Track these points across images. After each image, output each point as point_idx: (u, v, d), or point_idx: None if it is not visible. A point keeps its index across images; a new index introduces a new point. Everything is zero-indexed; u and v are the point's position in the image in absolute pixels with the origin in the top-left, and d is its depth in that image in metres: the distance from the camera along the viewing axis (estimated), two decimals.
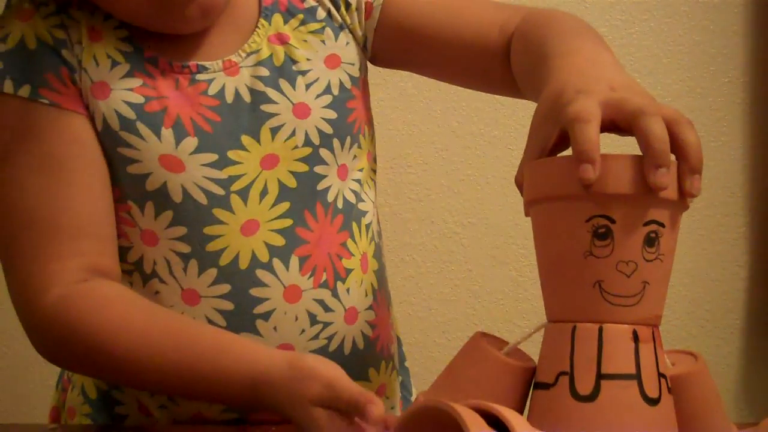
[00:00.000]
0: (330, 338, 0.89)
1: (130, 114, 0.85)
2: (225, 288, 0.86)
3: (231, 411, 0.88)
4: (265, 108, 0.89)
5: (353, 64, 0.95)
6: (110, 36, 0.87)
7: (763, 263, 1.66)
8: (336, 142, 0.91)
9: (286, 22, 0.93)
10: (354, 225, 0.92)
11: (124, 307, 0.83)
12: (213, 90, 0.88)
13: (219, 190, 0.86)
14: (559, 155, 0.68)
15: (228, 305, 0.86)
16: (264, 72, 0.90)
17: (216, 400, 0.85)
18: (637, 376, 0.62)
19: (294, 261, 0.88)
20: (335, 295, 0.89)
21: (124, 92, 0.85)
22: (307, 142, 0.89)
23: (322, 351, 0.88)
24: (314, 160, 0.90)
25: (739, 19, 1.67)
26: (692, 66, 1.66)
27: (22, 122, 0.85)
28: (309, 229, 0.89)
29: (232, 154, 0.87)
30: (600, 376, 0.61)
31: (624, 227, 0.62)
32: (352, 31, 0.96)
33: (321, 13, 0.94)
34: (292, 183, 0.89)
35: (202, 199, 0.86)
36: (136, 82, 0.86)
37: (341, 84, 0.93)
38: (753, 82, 1.67)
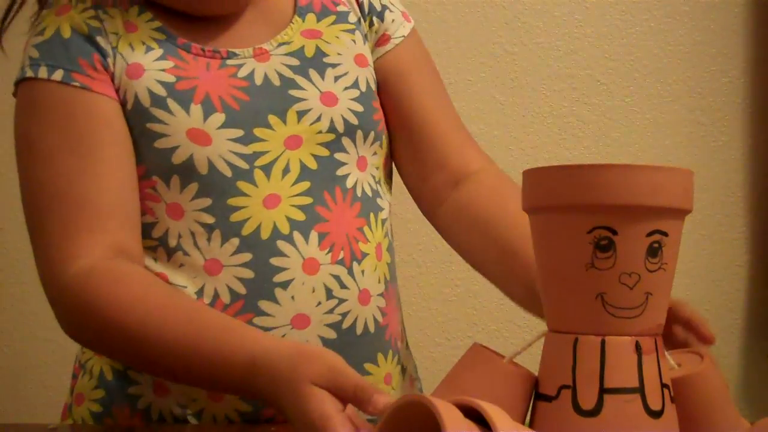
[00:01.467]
0: (344, 315, 0.90)
1: (162, 91, 0.89)
2: (246, 257, 0.88)
3: (246, 400, 0.88)
4: (294, 93, 0.93)
5: (373, 71, 1.00)
6: (145, 27, 0.92)
7: (763, 263, 1.66)
8: (359, 134, 0.94)
9: (319, 20, 0.98)
10: (371, 215, 0.95)
11: (142, 286, 0.84)
12: (243, 73, 0.92)
13: (243, 164, 0.89)
14: (558, 165, 0.68)
15: (249, 273, 0.88)
16: (294, 62, 0.94)
17: (215, 382, 0.83)
18: (641, 389, 0.61)
19: (313, 235, 0.90)
20: (351, 273, 0.91)
21: (157, 72, 0.90)
22: (332, 129, 0.92)
23: (336, 326, 0.89)
24: (336, 146, 0.93)
25: (739, 19, 1.67)
26: (692, 66, 1.66)
27: (56, 105, 0.89)
28: (328, 209, 0.91)
29: (258, 131, 0.90)
30: (603, 390, 0.61)
31: (626, 238, 0.62)
32: (370, 45, 1.01)
33: (353, 17, 1.00)
34: (312, 165, 0.92)
35: (227, 172, 0.88)
36: (168, 64, 0.90)
37: (368, 83, 0.97)
38: (753, 82, 1.67)
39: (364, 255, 0.93)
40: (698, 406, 0.67)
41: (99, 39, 0.90)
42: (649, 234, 0.63)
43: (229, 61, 0.92)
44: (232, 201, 0.89)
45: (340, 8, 1.00)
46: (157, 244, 0.90)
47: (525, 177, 0.68)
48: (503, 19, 1.65)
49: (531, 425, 0.66)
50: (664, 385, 0.63)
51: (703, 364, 0.68)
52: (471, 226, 0.97)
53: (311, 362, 0.73)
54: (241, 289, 0.88)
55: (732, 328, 1.66)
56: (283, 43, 0.95)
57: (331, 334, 0.89)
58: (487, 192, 0.98)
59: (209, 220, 0.89)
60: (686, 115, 1.66)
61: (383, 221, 0.97)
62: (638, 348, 0.62)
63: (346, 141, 0.94)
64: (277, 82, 0.93)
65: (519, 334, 1.63)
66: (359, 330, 0.91)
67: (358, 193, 0.94)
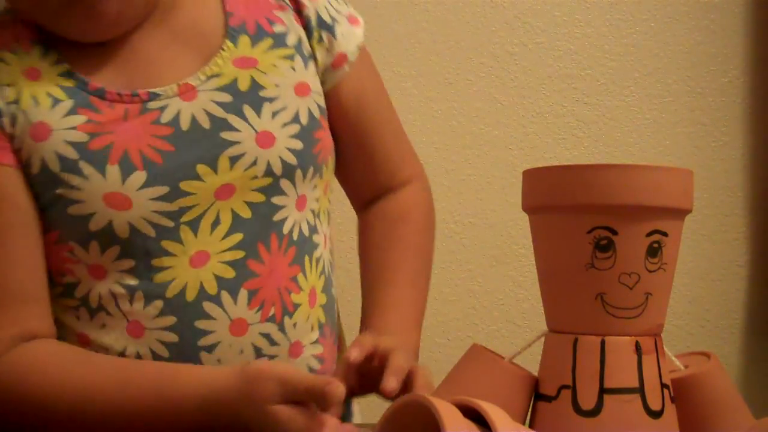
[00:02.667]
0: None
1: (73, 154, 0.81)
2: (170, 320, 0.84)
3: None
4: (226, 135, 0.85)
5: (320, 94, 0.94)
6: (50, 73, 0.84)
7: (763, 263, 1.66)
8: (299, 173, 0.89)
9: (254, 45, 0.89)
10: (306, 258, 0.90)
11: (61, 363, 0.81)
12: (166, 118, 0.84)
13: (168, 222, 0.83)
14: (558, 165, 0.68)
15: (173, 337, 0.84)
16: (226, 98, 0.86)
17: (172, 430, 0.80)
18: (641, 390, 0.61)
19: (243, 294, 0.85)
20: (282, 329, 0.88)
21: (66, 132, 0.81)
22: (268, 173, 0.86)
23: None
24: (273, 190, 0.87)
25: (739, 19, 1.67)
26: (692, 66, 1.66)
27: None
28: (261, 262, 0.87)
29: (184, 185, 0.83)
30: (603, 391, 0.61)
31: (626, 238, 0.62)
32: (317, 64, 0.94)
33: (292, 39, 0.92)
34: (246, 214, 0.86)
35: (150, 233, 0.83)
36: (79, 119, 0.82)
37: (310, 113, 0.90)
38: (753, 82, 1.67)
39: (296, 306, 0.89)
40: (706, 405, 0.67)
41: None
42: (649, 234, 0.62)
43: (150, 104, 0.84)
44: (156, 262, 0.83)
45: (278, 28, 0.91)
46: (79, 303, 0.86)
47: (525, 177, 0.68)
48: (503, 19, 1.65)
49: (531, 425, 0.66)
50: (664, 385, 0.63)
51: (709, 364, 0.68)
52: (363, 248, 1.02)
53: (259, 384, 0.72)
54: (165, 353, 0.84)
55: (732, 328, 1.66)
56: (213, 76, 0.86)
57: None
58: (382, 219, 1.01)
59: (132, 281, 0.84)
60: (686, 115, 1.66)
61: (318, 260, 0.92)
62: (638, 348, 0.62)
63: (284, 183, 0.88)
64: (206, 124, 0.85)
65: (519, 334, 1.63)
66: None
67: (294, 236, 0.89)
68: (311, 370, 0.90)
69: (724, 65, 1.67)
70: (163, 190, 0.82)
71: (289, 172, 0.88)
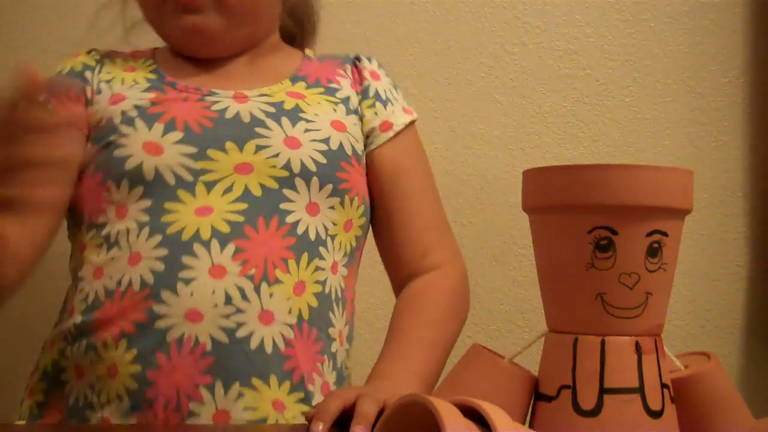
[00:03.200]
0: (239, 325, 0.93)
1: (133, 112, 1.00)
2: (163, 252, 0.95)
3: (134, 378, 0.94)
4: (259, 130, 1.00)
5: (358, 141, 1.06)
6: (142, 69, 1.07)
7: (763, 263, 1.66)
8: (314, 181, 1.00)
9: (307, 88, 1.08)
10: (305, 255, 0.98)
11: None
12: (216, 107, 1.01)
13: (188, 176, 0.97)
14: (558, 165, 0.68)
15: (160, 266, 0.95)
16: (270, 108, 1.02)
17: None
18: (641, 389, 0.61)
19: (230, 247, 0.95)
20: (257, 291, 0.95)
21: (136, 100, 1.01)
22: (286, 167, 0.99)
23: (229, 332, 0.93)
24: (287, 183, 0.99)
25: (739, 19, 1.66)
26: (692, 66, 1.66)
27: None
28: (256, 232, 0.96)
29: (210, 152, 0.98)
30: (603, 390, 0.61)
31: (626, 238, 0.62)
32: (362, 122, 1.09)
33: (341, 95, 1.09)
34: (257, 192, 0.98)
35: (171, 180, 0.97)
36: (149, 95, 1.02)
37: (341, 145, 1.03)
38: (753, 82, 1.67)
39: (278, 281, 0.96)
40: (706, 405, 0.67)
41: (87, 73, 1.06)
42: (649, 234, 0.63)
43: (207, 98, 1.03)
44: (168, 205, 0.97)
45: (333, 85, 1.09)
46: (102, 241, 0.99)
47: (525, 177, 0.68)
48: (503, 19, 1.64)
49: (531, 425, 0.66)
50: (664, 385, 0.63)
51: (709, 364, 0.68)
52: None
53: None
54: (150, 279, 0.94)
55: (732, 328, 1.66)
56: (265, 95, 1.04)
57: (223, 338, 0.92)
58: (410, 299, 1.06)
59: (145, 218, 0.97)
60: (686, 115, 1.66)
61: (318, 269, 0.99)
62: (638, 348, 0.62)
63: (299, 181, 0.99)
64: (247, 119, 1.01)
65: (519, 334, 1.63)
66: (254, 344, 0.94)
67: (299, 231, 0.99)
68: (276, 346, 0.94)
69: (724, 65, 1.66)
70: (191, 149, 0.98)
71: (305, 174, 1.00)
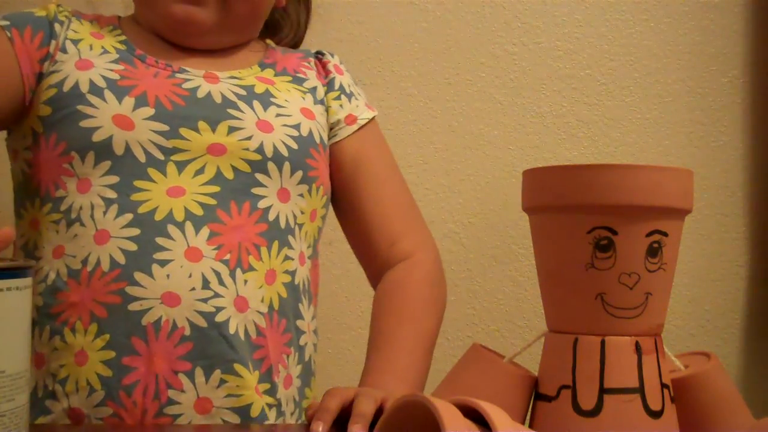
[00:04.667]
0: (218, 309, 0.91)
1: (102, 83, 0.96)
2: (135, 231, 0.92)
3: (107, 365, 0.90)
4: (232, 112, 0.98)
5: (324, 130, 1.07)
6: (110, 38, 1.03)
7: (763, 263, 1.66)
8: (287, 166, 0.98)
9: (276, 75, 1.07)
10: (276, 242, 0.97)
11: None
12: (187, 85, 0.99)
13: (159, 155, 0.94)
14: (558, 165, 0.68)
15: (132, 246, 0.91)
16: (242, 91, 1.01)
17: None
18: (641, 389, 0.61)
19: (205, 230, 0.93)
20: (232, 276, 0.93)
21: (105, 70, 0.97)
22: (259, 150, 0.97)
23: (208, 317, 0.91)
24: (259, 167, 0.97)
25: (739, 19, 1.66)
26: (692, 66, 1.66)
27: None
28: (229, 215, 0.95)
29: (183, 131, 0.95)
30: (603, 391, 0.61)
31: (626, 239, 0.62)
32: (328, 113, 1.09)
33: (308, 85, 1.08)
34: (229, 175, 0.96)
35: (141, 157, 0.94)
36: (118, 66, 0.98)
37: (311, 132, 1.03)
38: (753, 82, 1.67)
39: (251, 268, 0.94)
40: (706, 405, 0.67)
41: (56, 26, 1.01)
42: (649, 234, 0.62)
43: (178, 75, 1.00)
44: (139, 183, 0.93)
45: (300, 75, 1.09)
46: (61, 217, 0.94)
47: (525, 177, 0.68)
48: (503, 19, 1.64)
49: (531, 425, 0.66)
50: (664, 385, 0.63)
51: (709, 364, 0.68)
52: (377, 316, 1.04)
53: None
54: (122, 259, 0.91)
55: (732, 328, 1.66)
56: (236, 77, 1.03)
57: (202, 322, 0.90)
58: (392, 287, 1.05)
59: (112, 195, 0.93)
60: (686, 115, 1.66)
61: (288, 258, 0.98)
62: (638, 348, 0.62)
63: (271, 166, 0.97)
64: (219, 99, 0.98)
65: (519, 334, 1.63)
66: (232, 329, 0.91)
67: (270, 217, 0.97)
68: (247, 333, 0.93)
69: (724, 65, 1.66)
70: (164, 127, 0.95)
71: (278, 159, 0.98)
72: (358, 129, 1.10)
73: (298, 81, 1.08)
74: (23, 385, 0.63)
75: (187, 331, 0.89)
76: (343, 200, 1.09)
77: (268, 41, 1.16)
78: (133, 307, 0.89)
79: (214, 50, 1.06)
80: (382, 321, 1.02)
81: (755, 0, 1.66)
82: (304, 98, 1.06)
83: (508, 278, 1.64)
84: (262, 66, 1.07)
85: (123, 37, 1.03)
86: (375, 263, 1.08)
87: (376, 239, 1.07)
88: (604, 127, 1.64)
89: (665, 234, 0.63)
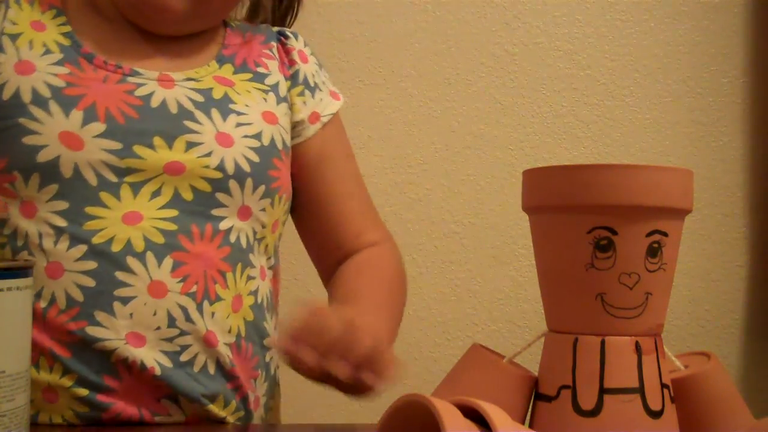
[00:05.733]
0: (183, 348, 0.87)
1: (46, 93, 0.87)
2: (91, 265, 0.85)
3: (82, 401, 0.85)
4: (189, 124, 0.90)
5: (287, 132, 0.99)
6: (53, 30, 0.92)
7: (763, 263, 1.66)
8: (249, 182, 0.91)
9: (235, 73, 0.97)
10: (239, 265, 0.91)
11: None
12: (140, 92, 0.90)
13: (112, 177, 0.86)
14: (558, 165, 0.68)
15: (90, 282, 0.85)
16: (199, 97, 0.92)
17: None
18: (641, 390, 0.61)
19: (168, 261, 0.86)
20: (200, 310, 0.87)
21: (48, 75, 0.88)
22: (220, 168, 0.89)
23: (173, 356, 0.86)
24: (220, 186, 0.90)
25: (739, 19, 1.67)
26: (692, 66, 1.66)
27: None
28: (191, 241, 0.88)
29: (137, 149, 0.87)
30: (603, 391, 0.61)
31: (626, 238, 0.62)
32: (292, 111, 1.01)
33: (270, 81, 0.99)
34: (188, 196, 0.89)
35: (93, 181, 0.86)
36: (63, 70, 0.88)
37: (273, 140, 0.95)
38: (753, 82, 1.67)
39: (219, 298, 0.89)
40: (706, 405, 0.67)
41: None
42: (649, 234, 0.62)
43: (130, 78, 0.90)
44: (90, 210, 0.86)
45: (261, 70, 1.00)
46: (6, 241, 0.87)
47: (525, 177, 0.68)
48: (503, 19, 1.65)
49: (531, 425, 0.66)
50: (664, 385, 0.63)
51: (709, 364, 0.68)
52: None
53: None
54: (79, 296, 0.84)
55: (732, 328, 1.66)
56: (192, 79, 0.93)
57: (167, 362, 0.86)
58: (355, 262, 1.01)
59: (61, 223, 0.85)
60: (686, 115, 1.66)
61: (249, 278, 0.92)
62: (638, 348, 0.62)
63: (232, 184, 0.90)
64: (174, 109, 0.90)
65: (519, 334, 1.63)
66: (197, 368, 0.87)
67: (231, 239, 0.91)
68: (220, 365, 0.88)
69: (724, 65, 1.67)
70: (116, 145, 0.86)
71: (240, 176, 0.91)
72: (322, 127, 1.03)
73: (260, 78, 0.99)
74: (23, 385, 0.63)
75: (157, 371, 0.85)
76: (305, 196, 1.03)
77: (230, 20, 1.06)
78: (98, 346, 0.84)
79: (174, 37, 0.98)
80: (359, 282, 0.97)
81: (755, 0, 1.66)
82: (266, 99, 0.98)
83: (508, 278, 1.64)
84: (221, 61, 0.98)
85: (67, 28, 0.92)
86: (337, 254, 1.03)
87: (342, 233, 1.03)
88: (604, 127, 1.64)
89: (665, 234, 0.63)
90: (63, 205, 0.86)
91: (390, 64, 1.62)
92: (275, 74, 1.01)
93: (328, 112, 1.04)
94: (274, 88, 0.99)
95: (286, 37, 1.05)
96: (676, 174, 0.63)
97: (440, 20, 1.64)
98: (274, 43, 1.04)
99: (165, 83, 0.92)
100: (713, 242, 1.66)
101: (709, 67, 1.66)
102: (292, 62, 1.03)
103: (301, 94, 1.02)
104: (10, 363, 0.62)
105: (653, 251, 0.63)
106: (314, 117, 1.02)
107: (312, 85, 1.03)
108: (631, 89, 1.65)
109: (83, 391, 0.85)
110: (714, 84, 1.66)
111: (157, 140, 0.88)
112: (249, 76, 0.98)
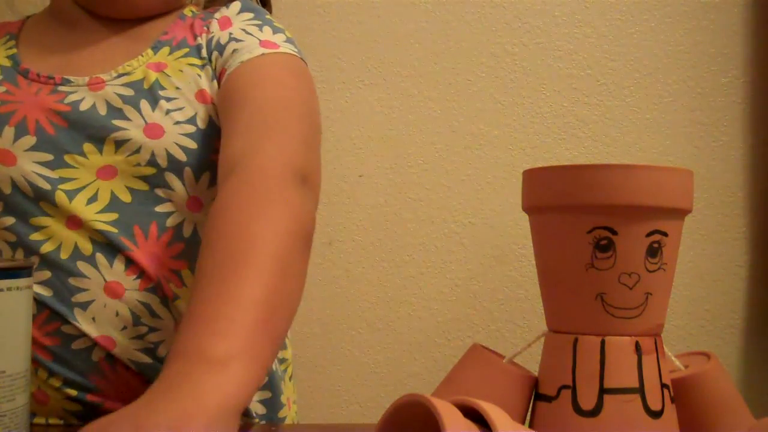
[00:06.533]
0: (157, 343, 0.86)
1: None
2: (45, 275, 0.86)
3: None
4: (117, 122, 0.88)
5: None
6: (2, 54, 0.96)
7: (763, 263, 1.66)
8: (188, 172, 0.88)
9: (171, 53, 0.95)
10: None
11: None
12: (70, 100, 0.90)
13: (45, 185, 0.86)
14: (558, 165, 0.68)
15: (48, 291, 0.85)
16: (129, 92, 0.90)
17: None
18: (640, 390, 0.61)
19: (120, 259, 0.86)
20: (165, 304, 0.87)
21: None
22: (152, 163, 0.87)
23: (149, 352, 0.86)
24: (157, 181, 0.88)
25: (739, 19, 1.66)
26: (692, 66, 1.66)
27: None
28: (135, 245, 0.87)
29: (68, 158, 0.87)
30: (603, 391, 0.61)
31: (626, 238, 0.62)
32: (218, 82, 0.94)
33: (205, 53, 0.95)
34: (126, 198, 0.88)
35: (29, 193, 0.86)
36: (1, 89, 0.92)
37: (210, 119, 0.91)
38: (753, 82, 1.67)
39: (176, 297, 0.88)
40: (706, 405, 0.67)
41: None
42: (649, 234, 0.62)
43: (61, 87, 0.91)
44: (34, 221, 0.87)
45: (198, 41, 0.96)
46: None
47: (525, 177, 0.68)
48: (503, 19, 1.64)
49: (531, 425, 0.66)
50: (664, 385, 0.63)
51: (709, 364, 0.68)
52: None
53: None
54: (43, 308, 0.85)
55: (732, 328, 1.66)
56: (124, 74, 0.92)
57: (145, 359, 0.86)
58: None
59: (12, 238, 0.87)
60: (686, 115, 1.66)
61: None
62: (638, 348, 0.62)
63: (170, 177, 0.88)
64: (103, 111, 0.89)
65: (519, 334, 1.63)
66: None
67: (185, 233, 0.89)
68: None
69: (724, 65, 1.66)
70: (47, 156, 0.87)
71: (176, 167, 0.88)
72: (241, 65, 0.91)
73: (195, 51, 0.95)
74: (23, 385, 0.63)
75: (136, 368, 0.86)
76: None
77: (189, 8, 1.04)
78: (77, 345, 0.85)
79: (124, 25, 0.97)
80: (210, 289, 0.83)
81: (755, 0, 1.66)
82: (200, 75, 0.93)
83: (508, 278, 1.64)
84: (157, 47, 0.95)
85: (13, 50, 0.96)
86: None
87: (228, 146, 0.87)
88: (604, 127, 1.64)
89: (665, 234, 0.63)
90: (10, 220, 0.87)
91: (390, 64, 1.62)
92: (208, 44, 0.96)
93: (237, 61, 0.92)
94: (208, 61, 0.95)
95: (219, 9, 1.00)
96: (676, 174, 0.63)
97: (440, 20, 1.63)
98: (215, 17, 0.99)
99: (95, 86, 0.91)
100: (713, 242, 1.65)
101: (709, 67, 1.66)
102: (209, 32, 0.97)
103: (211, 61, 0.95)
104: (10, 363, 0.62)
105: (653, 251, 0.63)
106: (220, 75, 0.94)
107: (224, 42, 0.95)
108: (631, 89, 1.65)
109: (72, 392, 0.85)
110: (714, 84, 1.66)
111: (87, 147, 0.88)
112: (185, 51, 0.95)
